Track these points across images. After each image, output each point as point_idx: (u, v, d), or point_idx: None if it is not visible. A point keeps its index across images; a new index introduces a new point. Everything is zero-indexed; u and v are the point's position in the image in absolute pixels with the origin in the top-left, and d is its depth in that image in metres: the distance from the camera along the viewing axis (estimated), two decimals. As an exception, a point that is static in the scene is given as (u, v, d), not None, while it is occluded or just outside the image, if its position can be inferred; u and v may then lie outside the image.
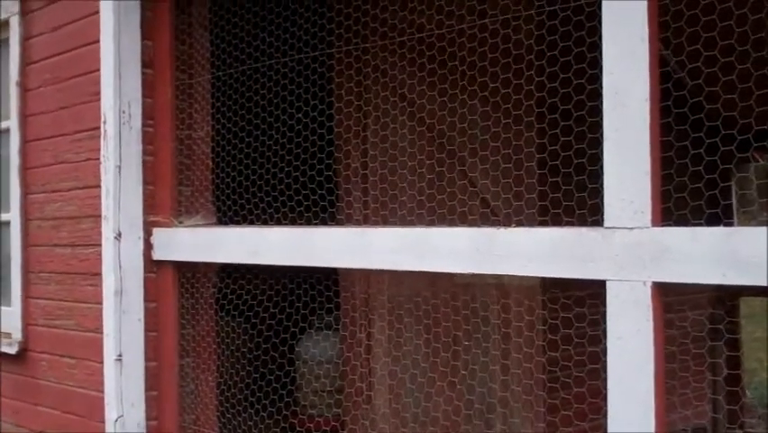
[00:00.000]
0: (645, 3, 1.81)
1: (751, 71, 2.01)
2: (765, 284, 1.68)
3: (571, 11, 2.15)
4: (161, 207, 3.10)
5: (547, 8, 2.15)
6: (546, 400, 3.63)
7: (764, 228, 1.65)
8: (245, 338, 4.34)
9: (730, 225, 6.19)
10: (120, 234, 3.02)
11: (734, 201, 5.91)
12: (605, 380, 1.89)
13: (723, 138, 2.19)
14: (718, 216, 2.30)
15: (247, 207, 3.16)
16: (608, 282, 1.87)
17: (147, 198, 3.10)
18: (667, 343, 1.94)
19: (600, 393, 1.94)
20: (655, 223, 1.81)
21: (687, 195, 2.13)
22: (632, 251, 1.83)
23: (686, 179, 2.11)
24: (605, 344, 1.89)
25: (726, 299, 5.95)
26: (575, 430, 3.19)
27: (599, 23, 1.89)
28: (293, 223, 2.78)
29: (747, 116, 2.02)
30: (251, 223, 3.10)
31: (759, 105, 2.05)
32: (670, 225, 1.81)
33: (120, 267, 3.02)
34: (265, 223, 3.11)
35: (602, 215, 1.90)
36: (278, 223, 3.00)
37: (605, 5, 1.87)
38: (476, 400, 3.30)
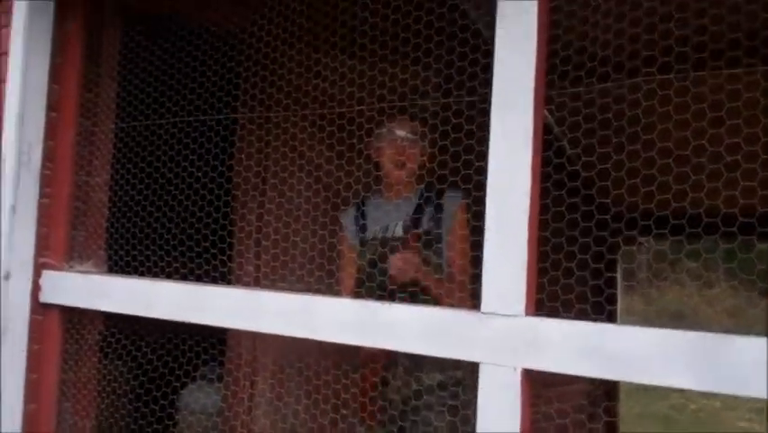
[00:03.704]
0: (531, 116, 1.96)
1: (640, 153, 2.16)
2: (629, 380, 1.83)
3: (464, 105, 2.30)
4: (54, 249, 3.11)
5: (442, 100, 2.29)
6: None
7: (629, 327, 1.81)
8: (127, 386, 4.32)
9: (613, 296, 6.45)
10: (9, 275, 3.01)
11: (618, 274, 6.19)
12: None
13: (612, 215, 2.33)
14: (601, 288, 2.42)
15: (139, 258, 3.18)
16: (481, 365, 1.99)
17: (40, 239, 3.09)
18: (545, 421, 2.05)
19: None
20: (529, 312, 1.95)
21: (574, 265, 2.26)
22: (505, 337, 1.96)
23: (575, 248, 2.23)
24: (473, 423, 2.01)
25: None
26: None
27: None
28: (184, 279, 2.82)
29: (634, 196, 2.18)
30: (143, 274, 3.12)
31: (644, 186, 2.19)
32: (543, 315, 1.95)
33: (6, 307, 3.01)
34: (156, 276, 3.14)
35: (479, 300, 2.02)
36: (169, 277, 3.03)
37: (494, 113, 2.01)
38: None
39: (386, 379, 2.98)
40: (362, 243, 3.10)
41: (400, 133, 3.03)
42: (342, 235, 3.19)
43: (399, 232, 3.03)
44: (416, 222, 3.03)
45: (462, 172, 2.33)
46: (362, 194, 3.15)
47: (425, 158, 3.09)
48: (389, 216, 3.06)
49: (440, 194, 3.06)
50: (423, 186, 3.10)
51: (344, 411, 2.96)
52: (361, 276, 3.02)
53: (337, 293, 3.08)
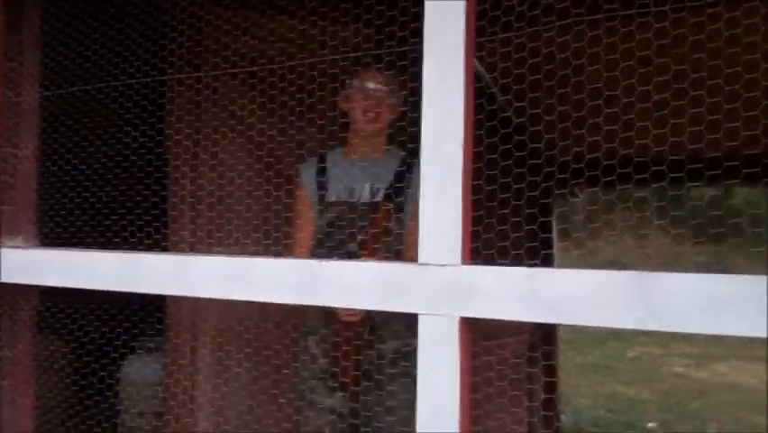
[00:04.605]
0: (463, 63, 1.93)
1: (570, 97, 2.15)
2: (567, 322, 1.83)
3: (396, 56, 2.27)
4: (-18, 226, 3.01)
5: (374, 52, 2.27)
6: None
7: (564, 270, 1.80)
8: (66, 361, 4.25)
9: (549, 241, 6.50)
10: (-65, 254, 2.91)
11: (553, 219, 6.21)
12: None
13: (545, 160, 2.31)
14: (537, 233, 2.42)
15: (71, 230, 3.11)
16: (420, 316, 1.98)
17: (-33, 217, 3.00)
18: (486, 369, 2.03)
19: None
20: (465, 261, 1.94)
21: (509, 212, 2.25)
22: (442, 287, 1.95)
23: (509, 195, 2.22)
24: (415, 374, 2.00)
25: (544, 326, 6.16)
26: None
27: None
28: (117, 248, 2.76)
29: (566, 139, 2.17)
30: (77, 246, 3.05)
31: (575, 129, 2.18)
32: (478, 264, 1.94)
33: (-65, 287, 2.92)
34: (90, 247, 3.07)
35: (416, 251, 2.01)
36: (104, 248, 2.97)
37: (425, 62, 1.98)
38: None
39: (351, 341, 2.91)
40: (321, 203, 2.97)
41: (371, 84, 2.92)
42: (302, 194, 3.05)
43: (366, 197, 2.91)
44: (398, 191, 2.93)
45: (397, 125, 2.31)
46: (319, 150, 3.07)
47: (402, 109, 2.97)
48: (354, 178, 2.95)
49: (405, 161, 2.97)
50: (405, 154, 2.97)
51: (286, 371, 2.94)
52: (321, 237, 2.91)
53: (289, 253, 3.03)
